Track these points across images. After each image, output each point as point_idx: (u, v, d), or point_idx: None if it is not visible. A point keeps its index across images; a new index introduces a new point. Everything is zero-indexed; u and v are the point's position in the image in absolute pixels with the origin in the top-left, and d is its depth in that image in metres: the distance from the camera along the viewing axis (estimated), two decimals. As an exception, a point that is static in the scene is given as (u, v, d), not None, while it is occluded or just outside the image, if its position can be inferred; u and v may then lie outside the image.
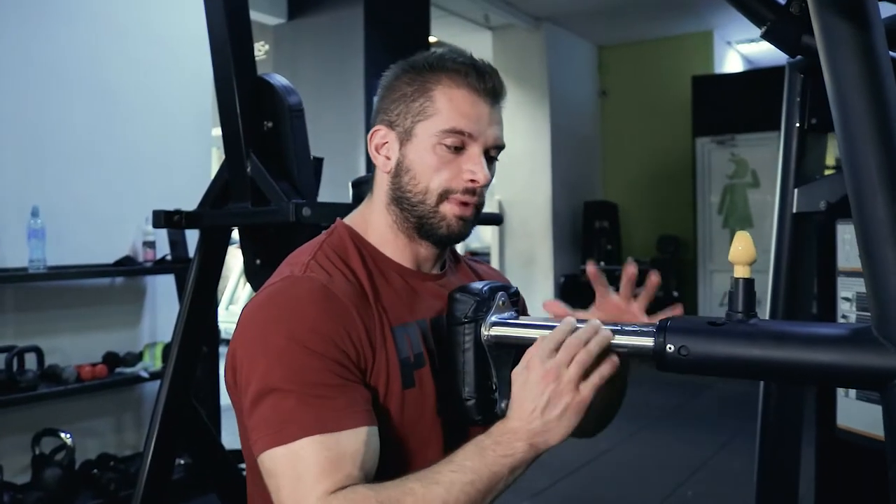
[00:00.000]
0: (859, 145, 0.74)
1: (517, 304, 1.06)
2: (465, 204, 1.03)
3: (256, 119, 1.94)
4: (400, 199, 1.05)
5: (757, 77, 7.64)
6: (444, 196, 1.03)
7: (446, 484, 0.87)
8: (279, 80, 1.95)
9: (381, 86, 1.09)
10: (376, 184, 1.10)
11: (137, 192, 3.51)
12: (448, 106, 1.02)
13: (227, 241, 2.20)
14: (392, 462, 0.96)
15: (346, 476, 0.87)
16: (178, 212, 2.08)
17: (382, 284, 1.04)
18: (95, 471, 3.17)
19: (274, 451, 0.88)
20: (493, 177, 1.05)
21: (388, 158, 1.06)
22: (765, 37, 1.10)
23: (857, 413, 1.33)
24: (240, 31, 1.97)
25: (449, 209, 1.03)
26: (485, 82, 1.03)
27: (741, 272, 0.84)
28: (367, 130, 1.11)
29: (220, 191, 2.07)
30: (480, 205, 1.06)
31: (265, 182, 1.87)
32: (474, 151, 1.03)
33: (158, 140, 3.66)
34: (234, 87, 1.92)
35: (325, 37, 5.57)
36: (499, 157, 1.09)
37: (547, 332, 0.92)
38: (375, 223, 1.08)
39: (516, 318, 1.01)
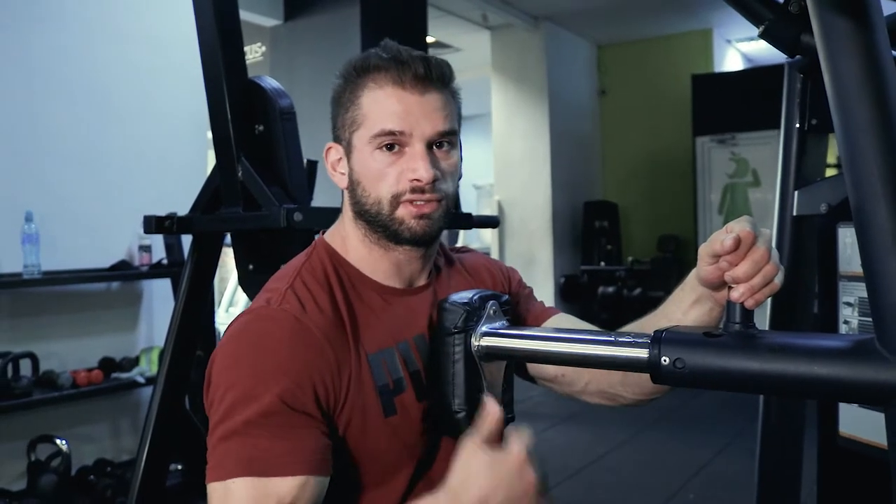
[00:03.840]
0: (860, 149, 0.71)
1: (508, 312, 1.03)
2: (419, 203, 0.99)
3: (247, 122, 1.91)
4: (361, 213, 1.03)
5: (757, 75, 7.60)
6: (394, 202, 0.99)
7: None
8: (270, 82, 1.92)
9: (331, 97, 1.08)
10: (343, 201, 1.08)
11: (132, 195, 3.48)
12: (374, 109, 0.99)
13: (219, 246, 2.17)
14: (383, 487, 0.97)
15: None
16: (169, 217, 2.05)
17: (361, 308, 1.01)
18: (92, 477, 3.15)
19: (212, 486, 0.89)
20: (460, 161, 1.02)
21: (343, 174, 1.05)
22: (763, 36, 1.07)
23: (860, 421, 1.30)
24: (230, 34, 1.94)
25: (405, 212, 1.00)
26: (406, 73, 0.98)
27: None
28: None
29: (212, 195, 2.04)
30: (441, 199, 1.01)
31: (256, 186, 1.84)
32: (414, 149, 0.99)
33: (153, 143, 3.64)
34: (224, 90, 1.89)
35: (321, 38, 5.54)
36: (455, 143, 1.03)
37: (539, 341, 0.90)
38: (350, 239, 1.06)
39: (508, 327, 0.98)
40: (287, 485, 0.88)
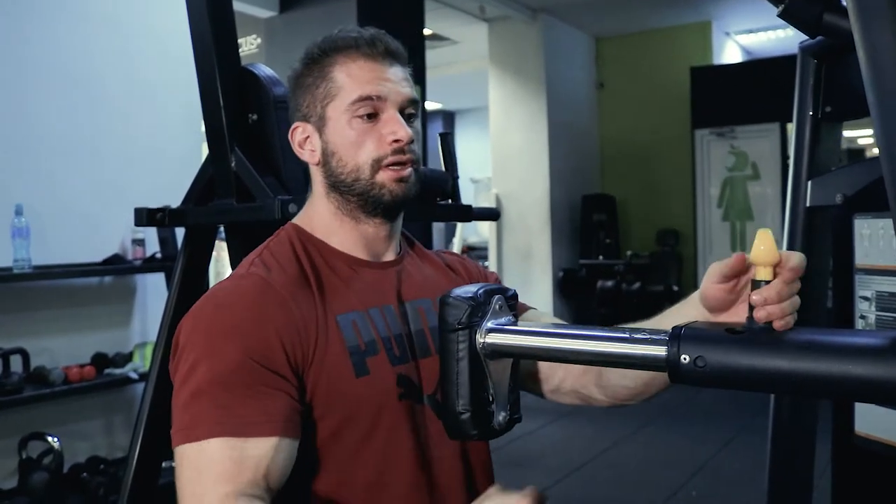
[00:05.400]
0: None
1: (515, 307, 0.98)
2: (399, 164, 1.04)
3: (241, 112, 1.85)
4: (336, 185, 1.06)
5: (756, 68, 7.57)
6: (375, 166, 1.03)
7: None
8: (264, 70, 1.86)
9: (288, 86, 1.12)
10: (312, 179, 1.11)
11: (125, 188, 3.42)
12: (349, 79, 1.03)
13: (213, 239, 2.12)
14: (364, 449, 0.98)
15: (249, 483, 0.88)
16: (160, 209, 2.00)
17: (328, 274, 1.04)
18: (84, 475, 3.10)
19: (183, 448, 0.89)
20: (417, 135, 1.05)
21: (314, 151, 1.08)
22: (783, 16, 1.01)
23: (877, 419, 1.25)
24: (222, 19, 1.88)
25: (386, 176, 1.04)
26: (376, 46, 1.05)
27: (763, 274, 0.75)
28: None
29: (205, 187, 1.98)
30: (416, 161, 1.06)
31: (250, 177, 1.78)
32: (389, 114, 1.04)
33: (147, 134, 3.58)
34: (216, 78, 1.83)
35: (317, 29, 5.41)
36: (418, 114, 1.09)
37: (549, 338, 0.84)
38: (318, 216, 1.09)
39: (514, 323, 0.93)
40: (263, 446, 0.89)
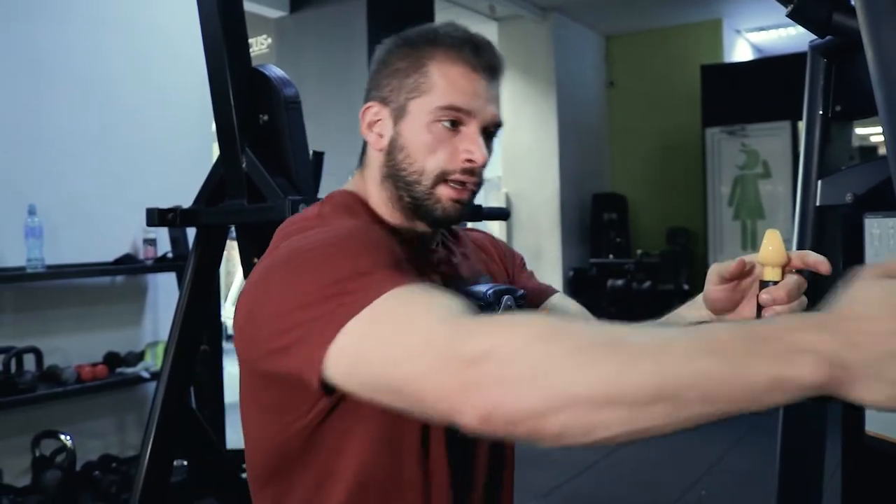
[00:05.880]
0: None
1: (524, 307, 0.98)
2: (462, 184, 0.98)
3: (251, 112, 1.87)
4: (394, 177, 1.00)
5: (767, 65, 7.53)
6: (440, 178, 0.97)
7: (678, 352, 0.60)
8: (274, 71, 1.87)
9: (374, 60, 1.04)
10: (369, 159, 1.04)
11: (137, 187, 3.44)
12: (444, 82, 0.97)
13: (224, 239, 2.14)
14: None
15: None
16: (172, 210, 2.02)
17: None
18: (97, 473, 3.12)
19: (344, 332, 0.73)
20: (490, 155, 1.00)
21: (381, 136, 1.01)
22: (792, 16, 1.01)
23: (888, 419, 1.25)
24: (233, 21, 1.89)
25: (445, 193, 0.98)
26: (481, 58, 0.98)
27: (772, 275, 0.76)
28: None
29: (216, 187, 2.00)
30: (478, 185, 1.01)
31: (261, 178, 1.80)
32: (472, 130, 0.98)
33: (159, 134, 3.60)
34: (227, 79, 1.85)
35: (327, 29, 5.49)
36: (496, 135, 1.03)
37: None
38: (374, 194, 1.03)
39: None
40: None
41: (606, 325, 0.65)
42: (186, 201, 2.19)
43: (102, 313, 3.41)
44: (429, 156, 0.97)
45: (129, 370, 3.30)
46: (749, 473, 3.55)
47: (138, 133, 3.51)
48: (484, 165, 0.99)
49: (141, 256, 3.47)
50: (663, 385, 0.59)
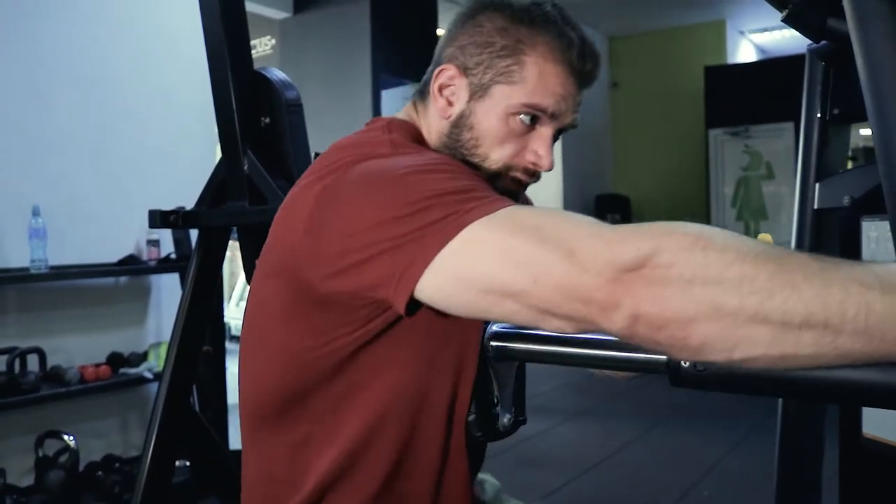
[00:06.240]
0: (896, 138, 0.67)
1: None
2: (521, 181, 0.97)
3: (253, 115, 1.88)
4: (454, 150, 0.96)
5: (771, 67, 7.52)
6: (504, 170, 0.95)
7: (840, 280, 0.57)
8: (276, 74, 1.88)
9: (464, 16, 0.97)
10: (430, 115, 0.99)
11: (141, 188, 3.46)
12: (538, 80, 0.92)
13: (226, 241, 2.14)
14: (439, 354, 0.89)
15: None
16: (174, 211, 2.02)
17: None
18: (100, 473, 3.13)
19: (451, 245, 0.72)
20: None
21: (451, 104, 0.96)
22: (787, 21, 1.02)
23: (885, 421, 1.25)
24: (235, 24, 1.90)
25: (504, 183, 0.96)
26: (584, 64, 0.94)
27: (764, 278, 0.76)
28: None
29: (218, 189, 2.01)
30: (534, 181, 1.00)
31: (262, 180, 1.81)
32: (547, 132, 0.94)
33: (162, 135, 3.61)
34: (229, 82, 1.86)
35: (331, 30, 5.51)
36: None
37: (554, 343, 0.85)
38: (431, 140, 0.99)
39: (520, 327, 0.94)
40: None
41: (764, 242, 0.64)
42: (190, 202, 2.20)
43: (106, 314, 3.42)
44: (497, 146, 0.94)
45: (133, 371, 3.31)
46: (750, 475, 3.55)
47: (142, 134, 3.53)
48: (548, 170, 0.97)
49: (144, 257, 3.48)
50: (819, 310, 0.57)
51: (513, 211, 0.73)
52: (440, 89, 0.96)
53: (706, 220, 7.20)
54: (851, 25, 0.69)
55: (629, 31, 8.04)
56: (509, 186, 0.96)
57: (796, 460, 1.42)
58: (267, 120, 1.88)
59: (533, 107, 0.92)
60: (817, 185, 1.42)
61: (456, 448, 0.93)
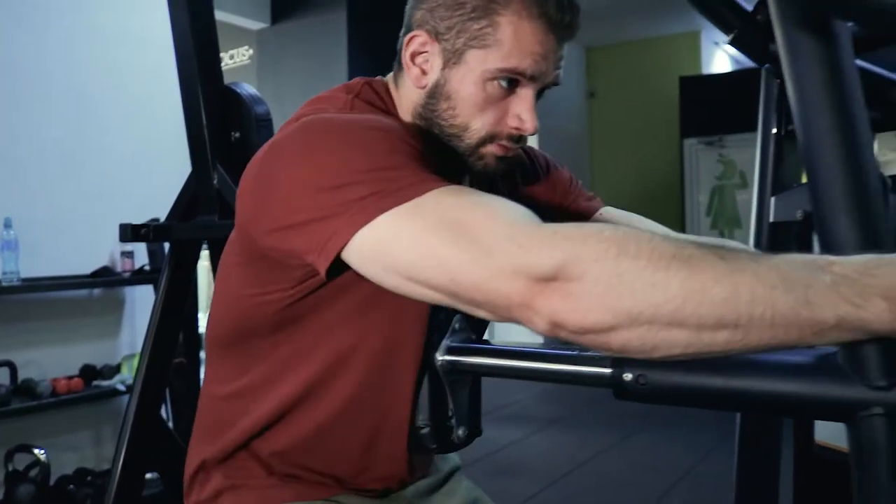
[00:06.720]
0: (822, 163, 0.70)
1: (477, 326, 1.01)
2: (507, 148, 0.92)
3: (223, 130, 1.90)
4: (431, 122, 0.92)
5: (745, 77, 7.62)
6: (487, 139, 0.90)
7: (749, 280, 0.60)
8: (246, 89, 1.91)
9: None
10: (405, 84, 0.95)
11: (115, 200, 3.44)
12: (514, 41, 0.86)
13: (197, 254, 2.15)
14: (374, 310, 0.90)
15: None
16: (145, 225, 2.03)
17: None
18: (71, 486, 3.11)
19: (396, 211, 0.72)
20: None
21: (424, 73, 0.91)
22: (733, 44, 1.06)
23: (836, 428, 1.29)
24: (206, 40, 1.92)
25: (492, 150, 0.91)
26: (563, 16, 0.88)
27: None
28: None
29: (189, 202, 2.02)
30: (524, 146, 0.98)
31: (232, 194, 1.82)
32: (528, 93, 0.89)
33: (136, 147, 3.60)
34: (199, 97, 1.88)
35: (308, 41, 5.53)
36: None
37: (504, 358, 0.88)
38: (404, 110, 0.95)
39: (473, 342, 0.97)
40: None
41: (676, 241, 0.65)
42: (164, 213, 2.21)
43: (79, 326, 3.41)
44: (476, 114, 0.89)
45: (105, 383, 3.29)
46: (722, 482, 3.59)
47: (117, 145, 3.52)
48: (533, 133, 0.91)
49: (118, 269, 3.47)
50: (730, 312, 0.60)
51: (438, 197, 0.72)
52: (412, 57, 0.92)
53: (681, 228, 7.28)
54: (783, 55, 0.73)
55: (606, 41, 8.13)
56: (488, 158, 0.92)
57: (754, 468, 1.46)
58: (237, 135, 1.90)
59: (510, 71, 0.87)
60: (773, 198, 1.46)
61: (400, 395, 0.95)
